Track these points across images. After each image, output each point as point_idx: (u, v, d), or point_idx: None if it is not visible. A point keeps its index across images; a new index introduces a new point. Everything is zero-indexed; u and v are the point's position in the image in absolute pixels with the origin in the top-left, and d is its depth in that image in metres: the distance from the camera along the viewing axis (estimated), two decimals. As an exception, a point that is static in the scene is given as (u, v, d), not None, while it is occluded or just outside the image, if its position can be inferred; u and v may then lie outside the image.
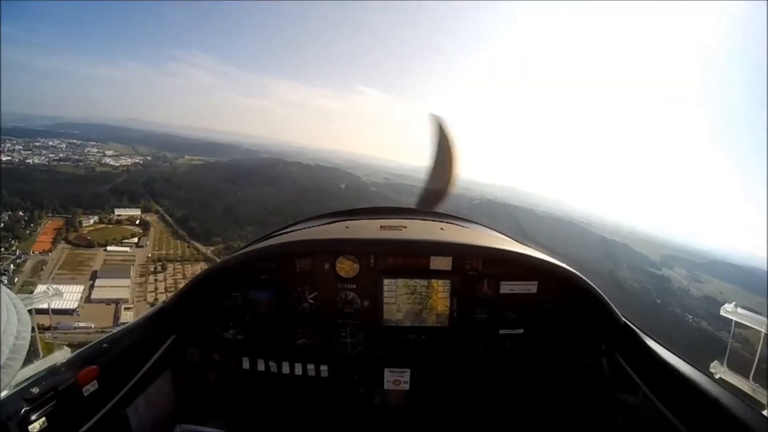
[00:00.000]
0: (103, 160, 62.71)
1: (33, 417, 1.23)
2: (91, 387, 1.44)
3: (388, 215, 2.51)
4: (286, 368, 1.95)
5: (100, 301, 33.24)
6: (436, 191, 2.92)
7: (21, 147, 56.80)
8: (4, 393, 1.20)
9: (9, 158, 52.64)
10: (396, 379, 1.98)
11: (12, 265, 34.55)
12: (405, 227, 2.08)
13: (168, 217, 49.97)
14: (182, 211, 51.20)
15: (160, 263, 39.85)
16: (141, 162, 68.04)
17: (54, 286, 2.07)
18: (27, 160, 53.98)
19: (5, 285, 1.04)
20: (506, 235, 2.42)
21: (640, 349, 1.77)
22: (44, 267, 35.88)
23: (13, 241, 37.28)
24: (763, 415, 1.27)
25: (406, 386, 1.98)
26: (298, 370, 1.95)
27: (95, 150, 65.69)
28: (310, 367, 1.95)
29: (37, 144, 59.76)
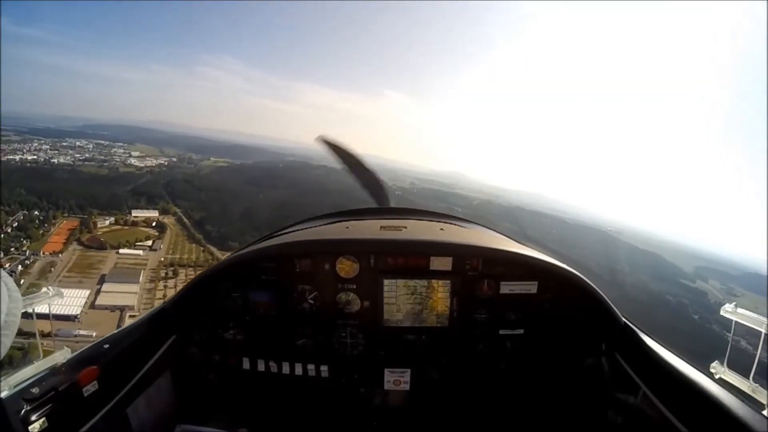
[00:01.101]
0: (128, 161, 62.20)
1: (33, 417, 1.23)
2: (91, 387, 1.43)
3: (389, 215, 2.49)
4: (286, 368, 1.94)
5: (105, 307, 30.93)
6: (374, 186, 2.93)
7: (48, 147, 56.91)
8: (4, 393, 1.24)
9: (35, 157, 52.55)
10: (396, 380, 1.96)
11: (20, 266, 32.88)
12: (405, 227, 2.06)
13: (186, 220, 48.05)
14: (200, 213, 49.37)
15: (172, 268, 37.34)
16: (166, 163, 67.35)
17: (54, 287, 1.73)
18: (52, 160, 53.82)
19: None
20: (506, 236, 2.40)
21: (640, 349, 1.76)
22: (53, 269, 34.14)
23: (24, 241, 35.86)
24: (763, 415, 1.27)
25: (407, 386, 1.97)
26: (299, 370, 1.94)
27: (121, 151, 65.44)
28: (311, 367, 1.94)
29: (65, 144, 59.90)
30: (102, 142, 67.02)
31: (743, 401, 1.32)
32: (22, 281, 30.83)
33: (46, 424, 1.25)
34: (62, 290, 1.66)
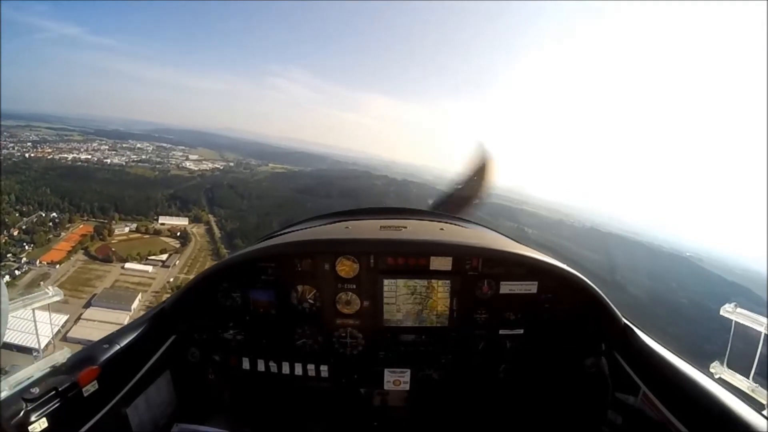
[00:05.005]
0: (183, 164, 59.29)
1: (33, 417, 1.24)
2: (91, 387, 1.44)
3: (389, 215, 2.49)
4: (286, 368, 1.95)
5: (78, 341, 24.05)
6: (464, 198, 3.02)
7: (107, 147, 55.82)
8: (4, 393, 1.26)
9: (88, 157, 51.20)
10: (396, 380, 1.98)
11: (8, 276, 27.87)
12: (405, 227, 2.07)
13: (216, 230, 41.53)
14: (234, 223, 42.63)
15: (178, 292, 30.03)
16: (221, 167, 63.80)
17: (54, 287, 1.66)
18: (105, 160, 52.10)
19: None
20: (506, 236, 2.41)
21: (640, 349, 1.76)
22: (42, 282, 28.66)
23: (27, 247, 31.37)
24: (763, 415, 1.28)
25: (406, 386, 1.98)
26: (299, 370, 1.95)
27: (179, 154, 63.19)
28: (311, 367, 1.95)
29: (125, 145, 58.86)
30: (164, 144, 65.71)
31: (743, 401, 1.33)
32: (1, 296, 25.52)
33: (46, 424, 1.26)
34: (61, 291, 1.65)
